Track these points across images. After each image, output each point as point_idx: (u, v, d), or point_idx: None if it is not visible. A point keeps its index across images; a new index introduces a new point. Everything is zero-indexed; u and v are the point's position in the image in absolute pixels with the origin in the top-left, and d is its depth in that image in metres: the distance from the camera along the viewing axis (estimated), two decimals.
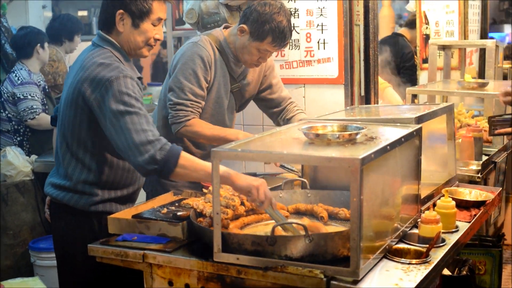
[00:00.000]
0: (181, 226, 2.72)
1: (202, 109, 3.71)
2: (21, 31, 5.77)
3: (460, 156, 4.12)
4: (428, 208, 2.79)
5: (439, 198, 2.99)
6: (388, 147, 2.47)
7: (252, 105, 4.08)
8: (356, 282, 2.27)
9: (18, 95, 5.40)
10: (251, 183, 2.62)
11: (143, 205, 3.08)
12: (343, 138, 2.53)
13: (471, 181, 3.89)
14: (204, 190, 3.26)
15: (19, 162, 5.15)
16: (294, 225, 2.59)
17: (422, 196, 3.04)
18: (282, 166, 3.51)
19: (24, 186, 5.14)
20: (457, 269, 3.75)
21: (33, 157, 5.34)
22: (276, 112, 4.04)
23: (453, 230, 2.84)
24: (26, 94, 5.41)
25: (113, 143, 2.83)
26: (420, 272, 2.38)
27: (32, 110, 5.37)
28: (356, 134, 2.56)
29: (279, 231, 2.58)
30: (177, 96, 3.64)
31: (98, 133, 2.89)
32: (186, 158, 2.78)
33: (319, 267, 2.32)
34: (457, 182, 3.53)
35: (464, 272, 3.64)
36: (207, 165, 2.72)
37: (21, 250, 5.08)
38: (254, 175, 3.66)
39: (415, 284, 2.27)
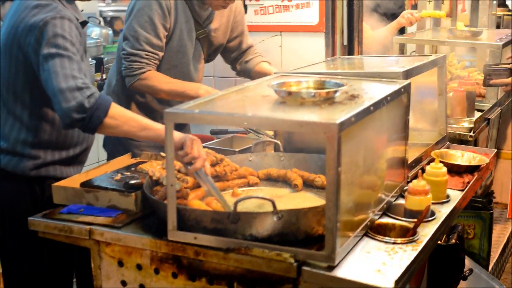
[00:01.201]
0: (134, 197, 2.37)
1: (163, 59, 3.33)
2: None
3: (451, 111, 3.77)
4: (416, 176, 2.45)
5: (429, 163, 2.65)
6: (371, 107, 2.11)
7: None
8: (331, 268, 1.94)
9: None
10: (186, 135, 2.31)
11: (95, 169, 2.72)
12: (320, 97, 2.17)
13: (462, 141, 3.56)
14: (162, 154, 2.92)
15: None
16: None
17: (410, 160, 2.70)
18: (249, 129, 3.15)
19: None
20: (445, 236, 3.43)
21: None
22: (236, 57, 3.68)
23: (444, 200, 2.51)
24: None
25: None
26: (406, 254, 2.04)
27: None
28: (335, 92, 2.20)
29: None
30: (132, 46, 3.26)
31: (36, 86, 2.53)
32: (117, 108, 2.47)
33: (289, 250, 1.98)
34: (448, 142, 3.19)
35: (453, 241, 3.32)
36: (140, 117, 2.46)
37: None
38: (226, 132, 3.31)
39: (400, 271, 1.93)
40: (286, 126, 1.93)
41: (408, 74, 2.63)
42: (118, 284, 2.33)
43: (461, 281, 3.46)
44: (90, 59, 5.27)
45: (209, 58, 3.63)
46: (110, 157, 3.48)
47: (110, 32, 6.67)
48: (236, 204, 2.03)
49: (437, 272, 3.25)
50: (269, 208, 2.02)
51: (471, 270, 3.52)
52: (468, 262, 3.74)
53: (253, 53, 3.70)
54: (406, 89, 2.48)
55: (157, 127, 2.40)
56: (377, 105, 2.16)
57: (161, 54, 3.32)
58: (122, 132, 2.48)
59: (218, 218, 2.07)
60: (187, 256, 2.13)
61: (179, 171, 2.39)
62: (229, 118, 1.98)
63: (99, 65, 5.44)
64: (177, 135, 2.27)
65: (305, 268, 1.96)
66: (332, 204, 1.88)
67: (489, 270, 4.20)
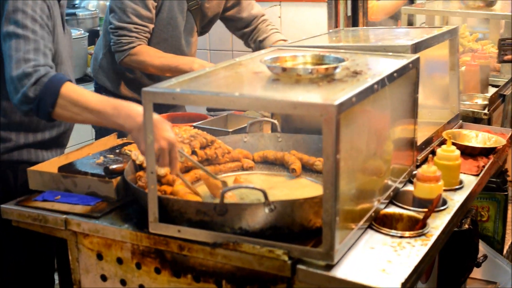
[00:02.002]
0: (114, 184, 2.15)
1: (153, 32, 3.09)
2: None
3: (464, 87, 3.53)
4: (426, 159, 2.23)
5: (440, 145, 2.42)
6: (375, 85, 1.88)
7: (219, 25, 3.45)
8: (330, 267, 1.72)
9: None
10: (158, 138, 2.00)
11: (76, 151, 2.50)
12: (317, 74, 1.94)
13: (476, 119, 3.32)
14: None
15: None
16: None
17: (420, 142, 2.47)
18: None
19: None
20: None
21: None
22: (247, 32, 3.43)
23: (457, 187, 2.28)
24: None
25: None
26: (415, 250, 1.82)
27: None
28: (335, 68, 1.97)
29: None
30: (119, 19, 3.03)
31: (2, 64, 2.30)
32: (69, 95, 2.14)
33: (283, 246, 1.76)
34: (461, 121, 2.95)
35: (466, 226, 3.10)
36: (93, 102, 2.11)
37: None
38: (223, 109, 3.08)
39: (408, 271, 1.71)
40: (277, 107, 1.71)
41: (417, 47, 2.39)
42: (97, 279, 2.12)
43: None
44: (83, 32, 5.03)
45: (202, 31, 3.39)
46: (98, 136, 3.26)
47: (108, 3, 6.40)
48: (223, 194, 1.81)
49: (448, 259, 3.03)
50: (261, 198, 1.80)
51: (485, 257, 3.30)
52: (481, 247, 3.51)
53: (268, 31, 3.45)
54: (415, 64, 2.24)
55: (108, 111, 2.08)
56: (382, 82, 1.93)
57: (151, 26, 3.09)
58: (79, 122, 2.21)
59: (203, 210, 1.85)
60: (170, 250, 1.92)
61: None
62: (214, 98, 1.74)
63: (93, 38, 5.20)
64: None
65: (300, 266, 1.74)
66: (329, 195, 1.66)
67: (504, 253, 3.97)
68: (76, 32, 4.88)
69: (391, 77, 2.00)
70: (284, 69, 1.96)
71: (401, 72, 2.11)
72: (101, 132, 3.21)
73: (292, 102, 1.67)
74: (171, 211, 1.90)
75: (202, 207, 1.86)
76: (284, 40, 3.41)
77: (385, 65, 2.14)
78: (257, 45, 3.42)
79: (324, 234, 1.69)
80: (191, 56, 3.26)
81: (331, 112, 1.61)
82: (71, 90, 2.14)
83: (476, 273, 3.50)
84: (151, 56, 3.05)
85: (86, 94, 2.14)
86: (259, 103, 1.70)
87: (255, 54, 2.41)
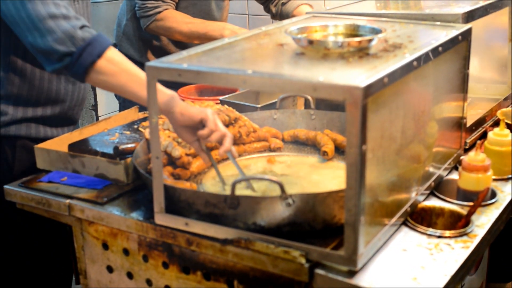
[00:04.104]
0: (124, 165, 1.94)
1: None
2: None
3: None
4: (474, 145, 1.96)
5: (493, 126, 2.15)
6: (414, 62, 1.62)
7: None
8: (352, 273, 1.49)
9: None
10: (204, 109, 1.83)
11: (92, 126, 2.31)
12: (349, 47, 1.68)
13: None
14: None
15: None
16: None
17: (470, 122, 2.19)
18: None
19: None
20: None
21: None
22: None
23: (509, 176, 2.00)
24: None
25: (15, 30, 1.98)
26: (454, 254, 1.57)
27: None
28: (369, 41, 1.70)
29: None
30: None
31: (0, 27, 2.09)
32: (117, 53, 1.94)
33: (300, 247, 1.54)
34: None
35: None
36: (142, 72, 1.89)
37: None
38: None
39: (444, 280, 1.47)
40: (295, 88, 1.47)
41: (469, 16, 2.11)
42: (103, 270, 1.94)
43: None
44: None
45: None
46: (122, 108, 3.06)
47: None
48: (234, 185, 1.59)
49: (501, 249, 2.76)
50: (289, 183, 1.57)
51: None
52: None
53: None
54: (466, 36, 1.96)
55: (165, 90, 1.84)
56: (424, 58, 1.66)
57: None
58: (117, 84, 1.91)
59: (213, 202, 1.63)
60: (178, 244, 1.72)
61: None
62: (223, 76, 1.51)
63: None
64: (195, 110, 1.82)
65: (319, 271, 1.51)
66: (353, 192, 1.42)
67: None
68: None
69: (435, 52, 1.74)
70: (310, 42, 1.71)
71: (448, 45, 1.84)
72: (124, 104, 3.00)
73: (311, 83, 1.42)
74: (179, 201, 1.69)
75: (211, 198, 1.64)
76: (310, 5, 3.15)
77: (430, 37, 1.86)
78: (279, 9, 3.17)
79: (346, 236, 1.46)
80: (222, 22, 3.02)
81: (356, 95, 1.36)
82: (117, 51, 1.96)
83: None
84: (178, 22, 2.82)
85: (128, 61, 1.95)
86: (274, 83, 1.46)
87: (286, 22, 2.16)
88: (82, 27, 1.91)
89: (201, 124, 1.81)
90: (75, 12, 1.98)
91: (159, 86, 1.74)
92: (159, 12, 2.82)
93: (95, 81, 1.94)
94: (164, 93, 1.80)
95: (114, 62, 1.90)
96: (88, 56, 1.88)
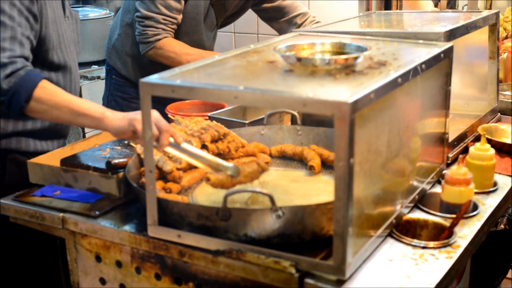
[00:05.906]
0: (116, 180, 1.99)
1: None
2: None
3: (504, 76, 3.29)
4: (456, 159, 2.03)
5: (475, 141, 2.22)
6: (399, 79, 1.68)
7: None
8: (341, 282, 1.54)
9: None
10: (127, 116, 1.93)
11: (83, 142, 2.36)
12: (336, 65, 1.75)
13: None
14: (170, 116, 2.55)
15: None
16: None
17: (452, 137, 2.27)
18: None
19: None
20: None
21: None
22: (286, 21, 3.23)
23: (491, 189, 2.07)
24: None
25: None
26: (438, 264, 1.63)
27: None
28: (355, 58, 1.77)
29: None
30: (147, 8, 2.86)
31: None
32: (46, 89, 2.00)
33: (290, 257, 1.59)
34: (499, 114, 2.72)
35: (502, 226, 2.90)
36: (75, 101, 2.00)
37: None
38: None
39: None
40: (285, 104, 1.52)
41: (451, 35, 2.18)
42: (96, 282, 1.98)
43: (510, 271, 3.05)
44: (108, 11, 4.86)
45: (221, 25, 3.21)
46: None
47: None
48: (225, 198, 1.64)
49: (482, 260, 2.83)
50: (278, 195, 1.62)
51: None
52: None
53: (309, 21, 3.24)
54: (448, 53, 2.04)
55: (94, 114, 1.95)
56: (408, 75, 1.73)
57: (179, 18, 2.92)
58: (52, 118, 2.04)
59: (205, 214, 1.68)
60: (170, 256, 1.76)
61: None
62: (216, 92, 1.57)
63: None
64: (124, 127, 1.93)
65: (308, 281, 1.57)
66: (341, 204, 1.48)
67: None
68: (101, 12, 4.72)
69: (418, 69, 1.81)
70: (299, 59, 1.78)
71: (431, 62, 1.91)
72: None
73: (301, 98, 1.48)
74: (171, 214, 1.74)
75: (204, 211, 1.69)
76: None
77: (414, 55, 1.93)
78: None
79: (335, 246, 1.51)
80: (210, 51, 3.10)
81: (343, 111, 1.42)
82: (50, 85, 2.02)
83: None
84: (177, 53, 2.88)
85: (62, 92, 2.03)
86: (265, 99, 1.52)
87: (274, 40, 2.22)
88: (9, 74, 1.97)
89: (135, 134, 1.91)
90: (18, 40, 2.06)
91: (96, 110, 1.94)
92: (159, 39, 2.88)
93: (33, 116, 2.05)
94: (93, 118, 1.94)
95: (43, 101, 1.99)
96: (16, 103, 1.98)
